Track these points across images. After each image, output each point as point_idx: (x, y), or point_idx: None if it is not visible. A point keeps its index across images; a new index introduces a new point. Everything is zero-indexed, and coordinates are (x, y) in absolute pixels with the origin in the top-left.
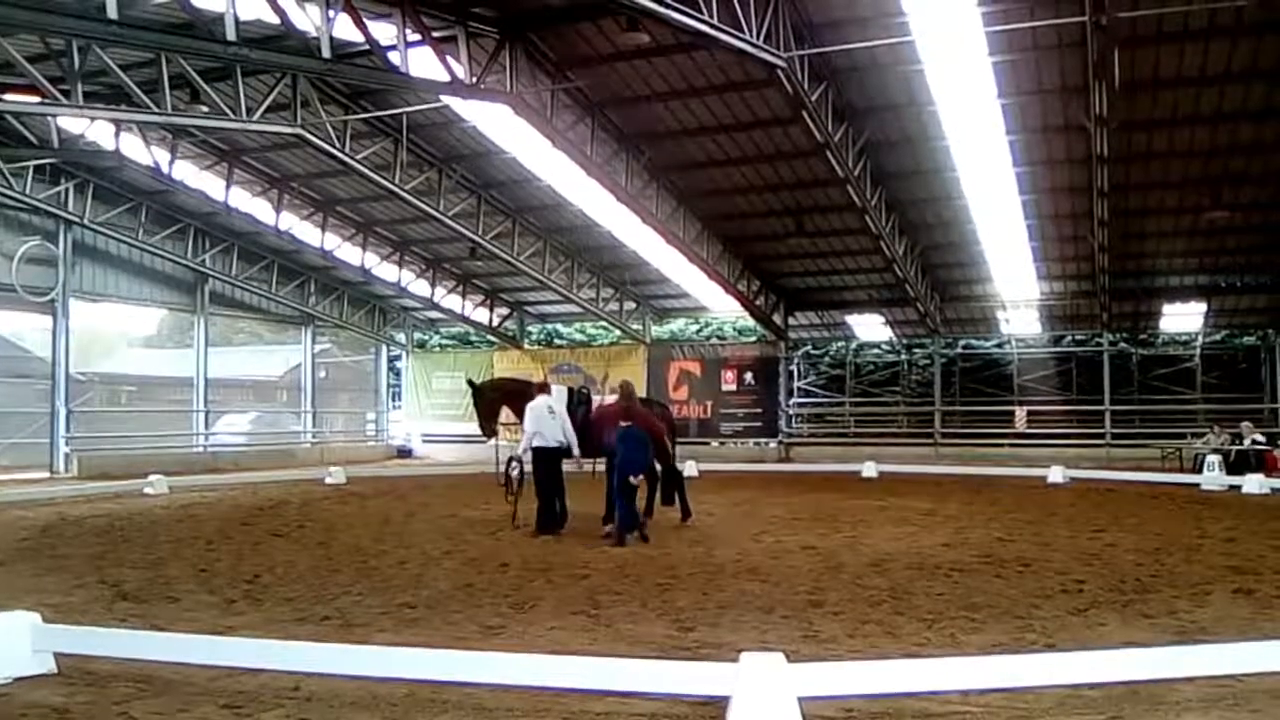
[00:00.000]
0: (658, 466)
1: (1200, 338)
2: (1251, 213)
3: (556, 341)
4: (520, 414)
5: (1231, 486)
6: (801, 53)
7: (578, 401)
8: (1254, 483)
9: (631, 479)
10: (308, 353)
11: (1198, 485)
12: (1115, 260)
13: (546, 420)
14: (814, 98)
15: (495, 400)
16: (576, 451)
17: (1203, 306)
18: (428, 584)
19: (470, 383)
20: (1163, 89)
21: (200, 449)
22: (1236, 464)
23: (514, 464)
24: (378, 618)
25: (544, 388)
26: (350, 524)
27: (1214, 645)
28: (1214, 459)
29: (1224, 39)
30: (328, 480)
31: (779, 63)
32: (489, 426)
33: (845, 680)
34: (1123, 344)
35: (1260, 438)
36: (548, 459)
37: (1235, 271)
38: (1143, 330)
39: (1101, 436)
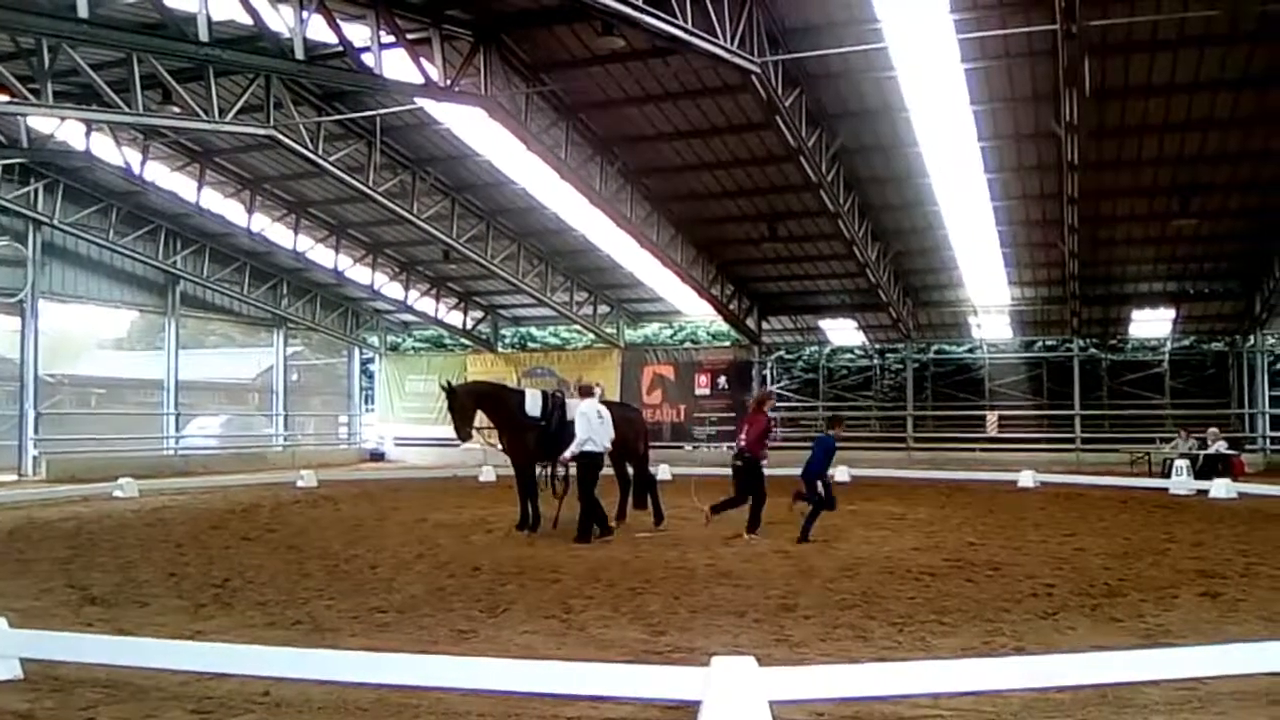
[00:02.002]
0: (629, 469)
1: (1169, 343)
2: (1219, 220)
3: (530, 345)
4: (495, 417)
5: (1199, 491)
6: (775, 58)
7: (552, 405)
8: (1221, 487)
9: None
10: (280, 355)
11: (1166, 490)
12: (1085, 266)
13: (597, 425)
14: (787, 103)
15: (470, 404)
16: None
17: (1171, 313)
18: (399, 588)
19: (444, 386)
20: (1132, 97)
21: (171, 452)
22: (1204, 469)
23: (560, 467)
24: (349, 622)
25: (588, 391)
26: (321, 528)
27: (1180, 648)
28: (1182, 464)
29: (1193, 48)
30: (299, 484)
31: (752, 68)
32: (464, 430)
33: (816, 684)
34: (1093, 349)
35: (1225, 443)
36: (596, 464)
37: (1203, 278)
38: (1112, 336)
39: (1071, 441)
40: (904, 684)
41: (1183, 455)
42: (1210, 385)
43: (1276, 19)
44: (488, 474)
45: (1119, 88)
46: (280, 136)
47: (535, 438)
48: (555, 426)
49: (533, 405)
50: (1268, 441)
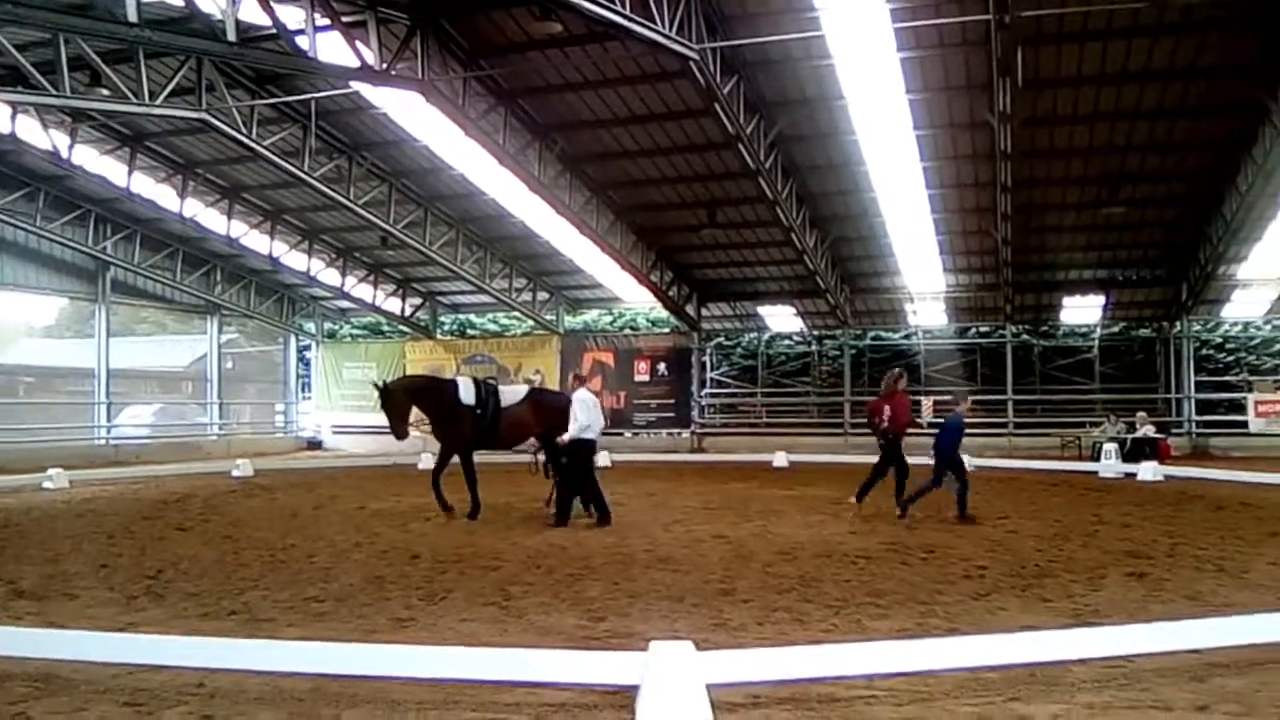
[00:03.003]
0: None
1: (1099, 330)
2: (1147, 209)
3: (469, 332)
4: (431, 412)
5: (1127, 474)
6: (713, 45)
7: (486, 393)
8: (1148, 470)
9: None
10: (214, 343)
11: (1095, 473)
12: (1018, 254)
13: (595, 413)
14: (726, 90)
15: (405, 400)
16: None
17: (1101, 299)
18: (337, 577)
19: (377, 385)
20: (1063, 87)
21: (102, 442)
22: (1132, 452)
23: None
24: (285, 612)
25: (582, 380)
26: (257, 517)
27: (1107, 627)
28: (1111, 447)
29: (1121, 40)
30: (234, 473)
31: (691, 54)
32: (401, 428)
33: (752, 667)
34: (1025, 335)
35: (1152, 427)
36: (592, 450)
37: (1132, 266)
38: (1044, 322)
39: (1004, 425)
40: (839, 666)
41: (1111, 439)
42: (1138, 371)
43: (1199, 13)
44: (427, 462)
45: (1050, 78)
46: (212, 120)
47: (472, 426)
48: (491, 414)
49: (467, 394)
50: (1193, 425)
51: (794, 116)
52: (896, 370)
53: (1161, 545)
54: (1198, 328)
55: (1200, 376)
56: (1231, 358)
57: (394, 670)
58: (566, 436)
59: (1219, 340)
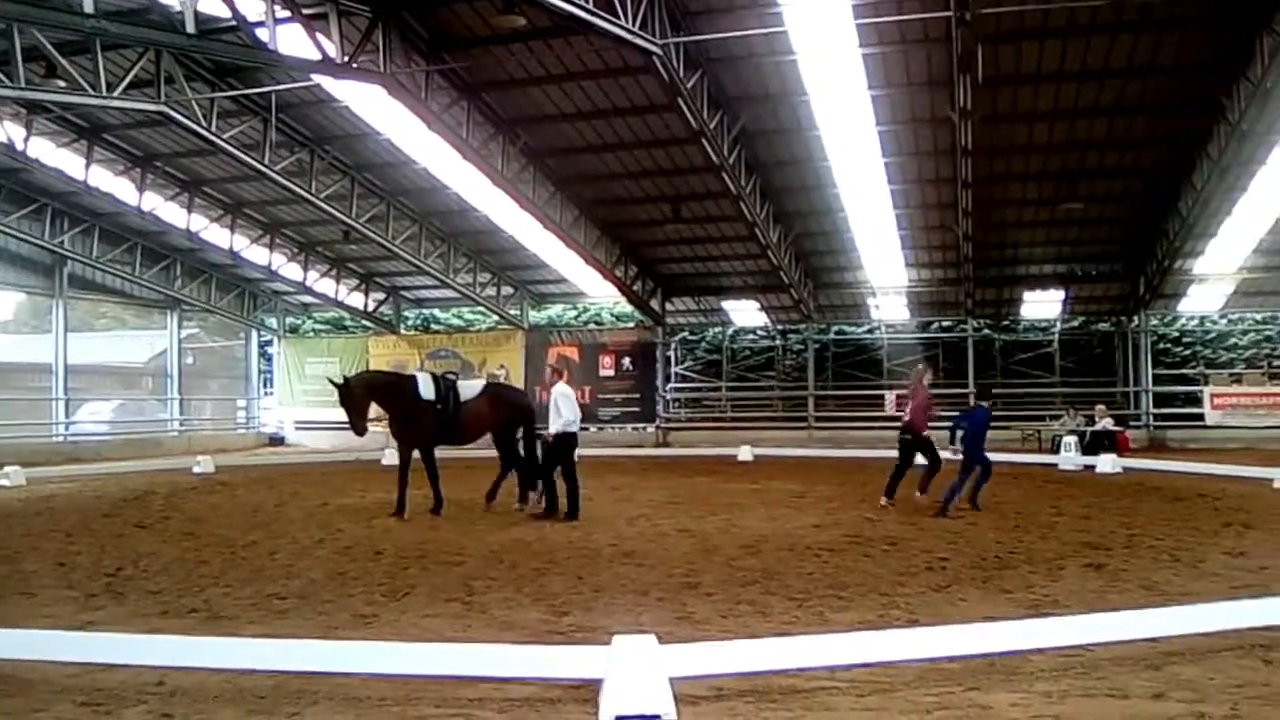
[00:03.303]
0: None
1: (1058, 324)
2: (1106, 205)
3: (434, 327)
4: (391, 405)
5: (1086, 466)
6: (676, 40)
7: (446, 388)
8: (1107, 462)
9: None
10: (174, 338)
11: (1055, 465)
12: (979, 249)
13: (575, 406)
14: (689, 85)
15: (365, 396)
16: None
17: (1061, 294)
18: (299, 574)
19: (333, 382)
20: (1023, 84)
21: (60, 438)
22: (1091, 445)
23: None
24: (246, 609)
25: (560, 374)
26: (218, 514)
27: (1065, 617)
28: (1070, 440)
29: (1080, 38)
30: (195, 469)
31: (654, 49)
32: (360, 425)
33: (715, 660)
34: (986, 330)
35: (1111, 420)
36: (574, 443)
37: (1091, 261)
38: (1005, 316)
39: None
40: (801, 657)
41: (1071, 432)
42: (1098, 364)
43: (1157, 11)
44: (391, 457)
45: (1011, 75)
46: (172, 113)
47: (434, 421)
48: (452, 409)
49: (426, 389)
50: (1151, 418)
51: (757, 112)
52: (920, 366)
53: (1119, 536)
54: (1155, 322)
55: (1158, 370)
56: (1188, 351)
57: (356, 667)
58: (554, 429)
59: (1176, 334)
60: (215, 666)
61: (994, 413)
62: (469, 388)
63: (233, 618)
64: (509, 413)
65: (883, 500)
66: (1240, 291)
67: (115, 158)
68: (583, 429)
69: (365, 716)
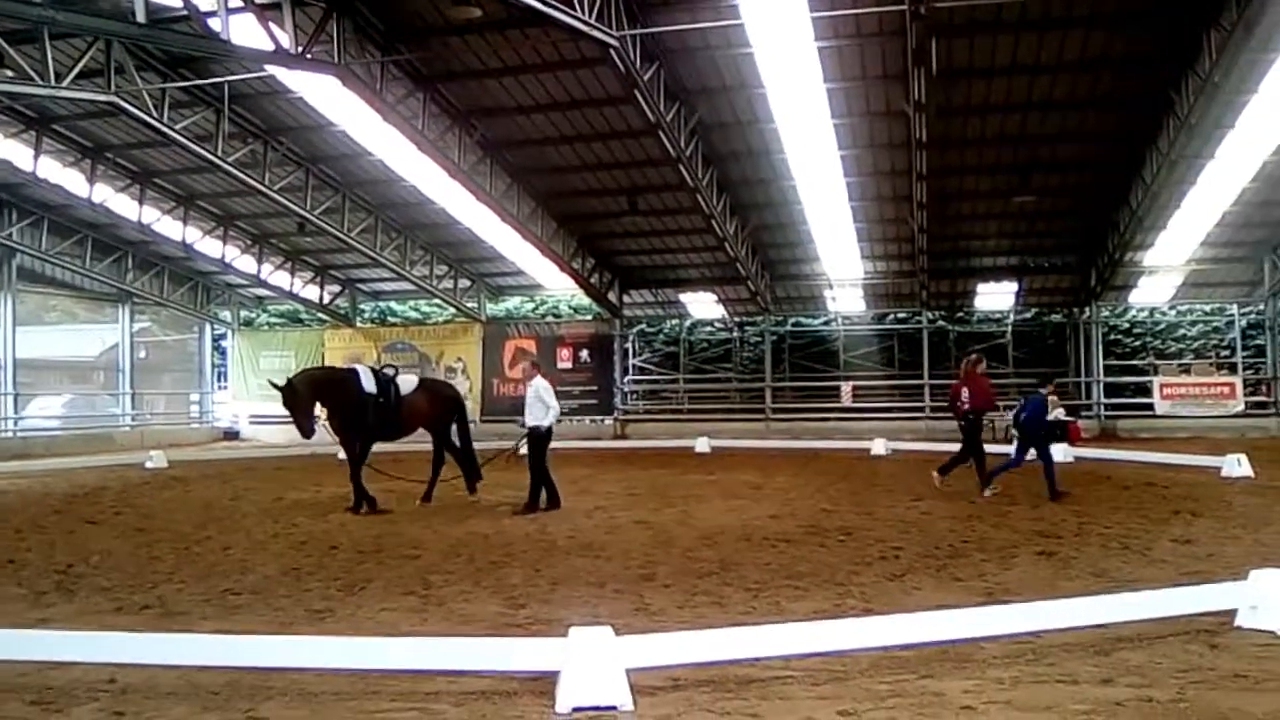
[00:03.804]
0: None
1: (1011, 315)
2: (1058, 198)
3: (390, 319)
4: (332, 405)
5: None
6: (633, 32)
7: (386, 382)
8: (1058, 452)
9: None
10: (125, 332)
11: (1008, 455)
12: (933, 241)
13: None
14: (646, 78)
15: (309, 394)
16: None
17: (1014, 286)
18: (253, 569)
19: (275, 384)
20: (977, 77)
21: (10, 434)
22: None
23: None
24: (200, 605)
25: (539, 368)
26: (172, 509)
27: (1017, 605)
28: None
29: (1033, 32)
30: (148, 465)
31: (611, 41)
32: (307, 425)
33: (672, 651)
34: (941, 321)
35: (1062, 410)
36: (549, 437)
37: (1043, 253)
38: (959, 308)
39: (921, 409)
40: (757, 647)
41: None
42: (1050, 355)
43: (1107, 6)
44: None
45: (964, 68)
46: (122, 103)
47: (376, 415)
48: (395, 402)
49: (369, 384)
50: (1102, 408)
51: (714, 104)
52: (974, 354)
53: (1070, 524)
54: (1106, 313)
55: (1109, 361)
56: (1138, 342)
57: (311, 662)
58: (547, 421)
59: (1126, 325)
60: (168, 663)
61: (946, 403)
62: (406, 382)
63: (186, 614)
64: (445, 406)
65: (986, 492)
66: (1189, 283)
67: (65, 149)
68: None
69: (321, 712)
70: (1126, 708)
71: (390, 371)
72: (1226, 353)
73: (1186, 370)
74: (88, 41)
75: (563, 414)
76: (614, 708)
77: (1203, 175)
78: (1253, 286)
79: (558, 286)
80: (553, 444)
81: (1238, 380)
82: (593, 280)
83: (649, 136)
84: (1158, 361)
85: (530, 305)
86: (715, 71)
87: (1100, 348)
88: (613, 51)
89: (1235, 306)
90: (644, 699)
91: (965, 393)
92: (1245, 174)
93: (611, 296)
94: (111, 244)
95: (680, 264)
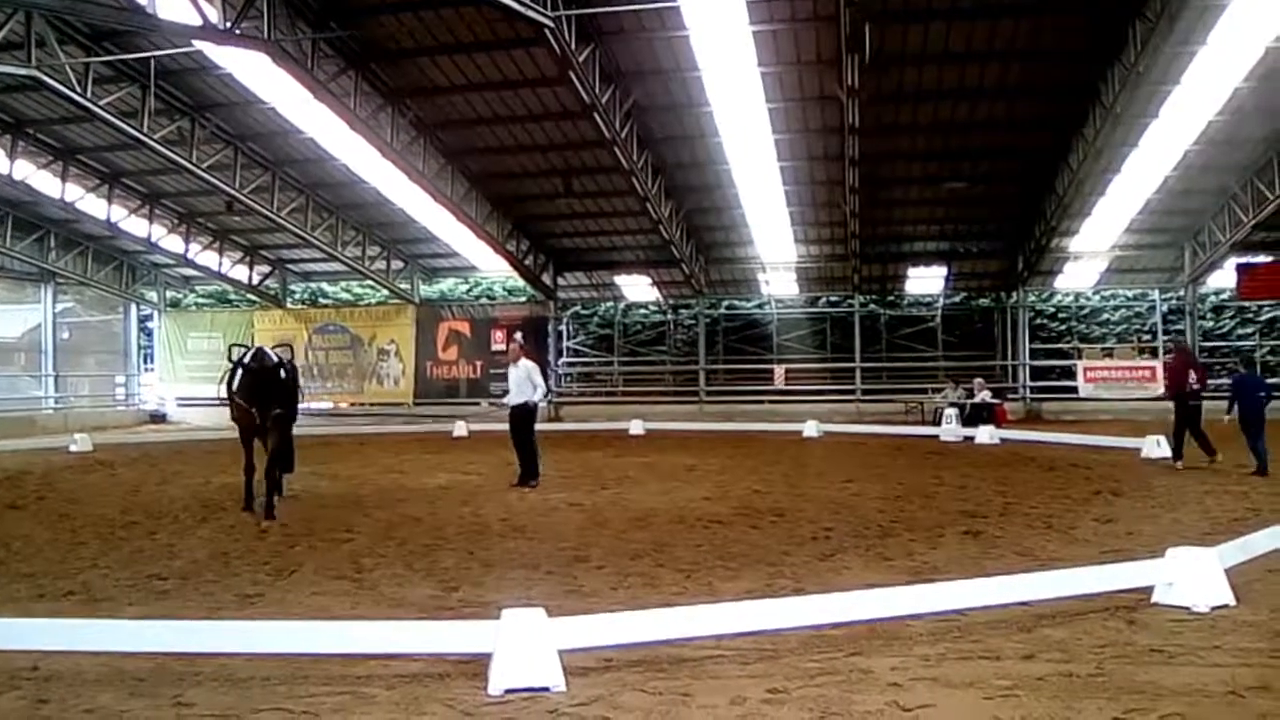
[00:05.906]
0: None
1: (941, 299)
2: (988, 184)
3: (321, 301)
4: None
5: (966, 437)
6: (568, 12)
7: (283, 364)
8: (985, 434)
9: None
10: (48, 312)
11: (936, 437)
12: (865, 226)
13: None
14: (581, 59)
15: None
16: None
17: (944, 270)
18: (181, 554)
19: (245, 365)
20: (909, 65)
21: None
22: (971, 417)
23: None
24: (126, 591)
25: (525, 350)
26: (96, 494)
27: (943, 584)
28: (951, 412)
29: (964, 21)
30: (72, 448)
31: (546, 21)
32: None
33: (604, 632)
34: (872, 305)
35: (989, 393)
36: (534, 415)
37: (973, 239)
38: (890, 292)
39: (853, 392)
40: (688, 627)
41: (952, 404)
42: (978, 339)
43: None
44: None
45: (897, 55)
46: (44, 77)
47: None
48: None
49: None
50: (1028, 391)
51: (649, 87)
52: (1180, 339)
53: (996, 505)
54: (1033, 298)
55: (1035, 344)
56: (1063, 327)
57: (239, 646)
58: (535, 398)
59: (1052, 310)
60: (92, 649)
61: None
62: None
63: (111, 600)
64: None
65: (1177, 464)
66: (1113, 269)
67: None
68: (473, 403)
69: (250, 697)
70: (1048, 682)
71: (288, 353)
72: (1148, 337)
73: (1109, 354)
74: (7, 13)
75: (498, 397)
76: (546, 689)
77: (1126, 164)
78: (1174, 272)
79: (492, 269)
80: (489, 426)
81: (1159, 364)
82: (527, 262)
83: (584, 118)
84: (1082, 345)
85: (464, 287)
86: (651, 54)
87: (1027, 332)
88: (548, 32)
89: (1157, 292)
90: (576, 680)
91: (1192, 375)
92: (1167, 163)
93: (546, 279)
94: (33, 222)
95: (615, 246)
